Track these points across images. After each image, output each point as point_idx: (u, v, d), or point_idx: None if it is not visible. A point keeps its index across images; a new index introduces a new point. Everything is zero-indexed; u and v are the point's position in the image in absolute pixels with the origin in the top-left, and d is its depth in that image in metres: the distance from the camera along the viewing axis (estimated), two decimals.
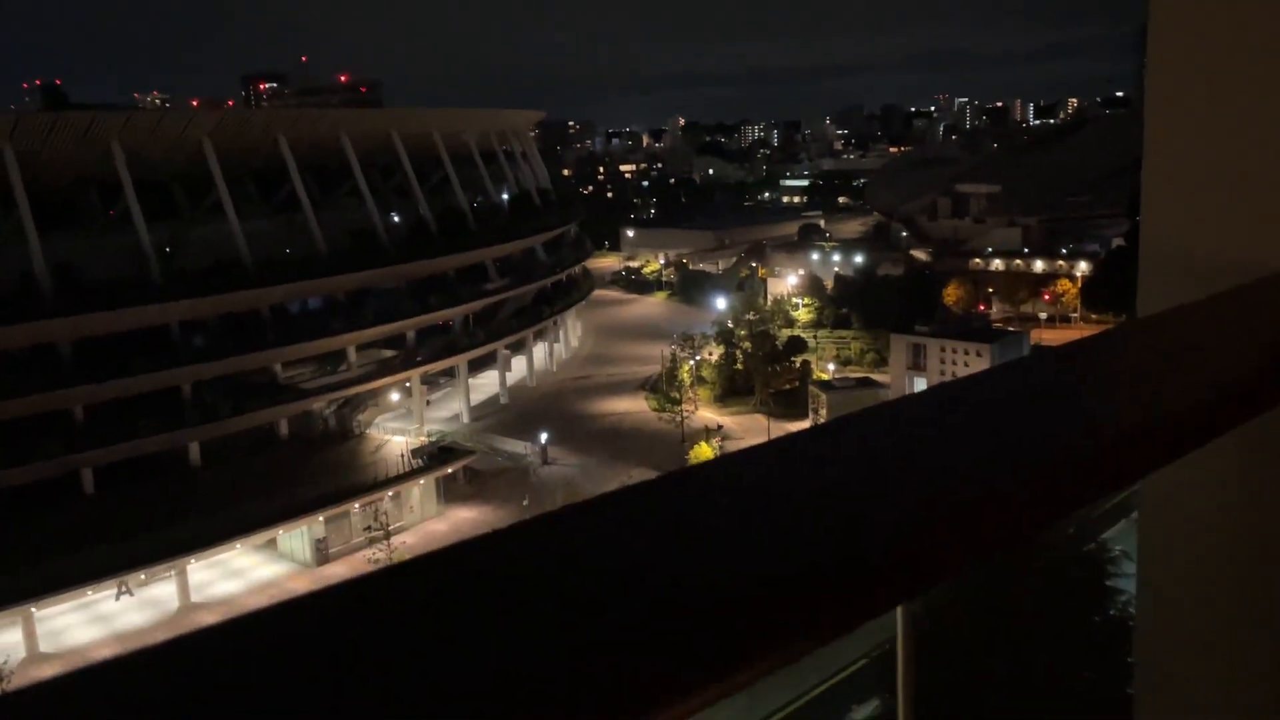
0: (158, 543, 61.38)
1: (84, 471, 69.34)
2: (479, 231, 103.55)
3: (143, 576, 62.46)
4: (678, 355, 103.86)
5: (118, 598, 62.55)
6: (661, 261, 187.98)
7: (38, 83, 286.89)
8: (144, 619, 61.28)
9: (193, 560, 63.35)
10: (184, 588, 63.15)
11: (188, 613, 61.99)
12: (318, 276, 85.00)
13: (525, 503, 68.65)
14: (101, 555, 59.66)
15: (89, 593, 60.83)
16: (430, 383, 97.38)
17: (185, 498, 68.32)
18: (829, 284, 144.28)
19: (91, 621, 60.91)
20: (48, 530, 62.56)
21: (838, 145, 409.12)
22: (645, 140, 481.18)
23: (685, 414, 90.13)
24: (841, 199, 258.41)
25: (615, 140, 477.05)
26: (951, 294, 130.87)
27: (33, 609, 56.69)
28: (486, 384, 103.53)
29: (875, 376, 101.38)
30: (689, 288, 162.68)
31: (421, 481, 74.19)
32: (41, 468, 66.54)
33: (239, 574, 66.89)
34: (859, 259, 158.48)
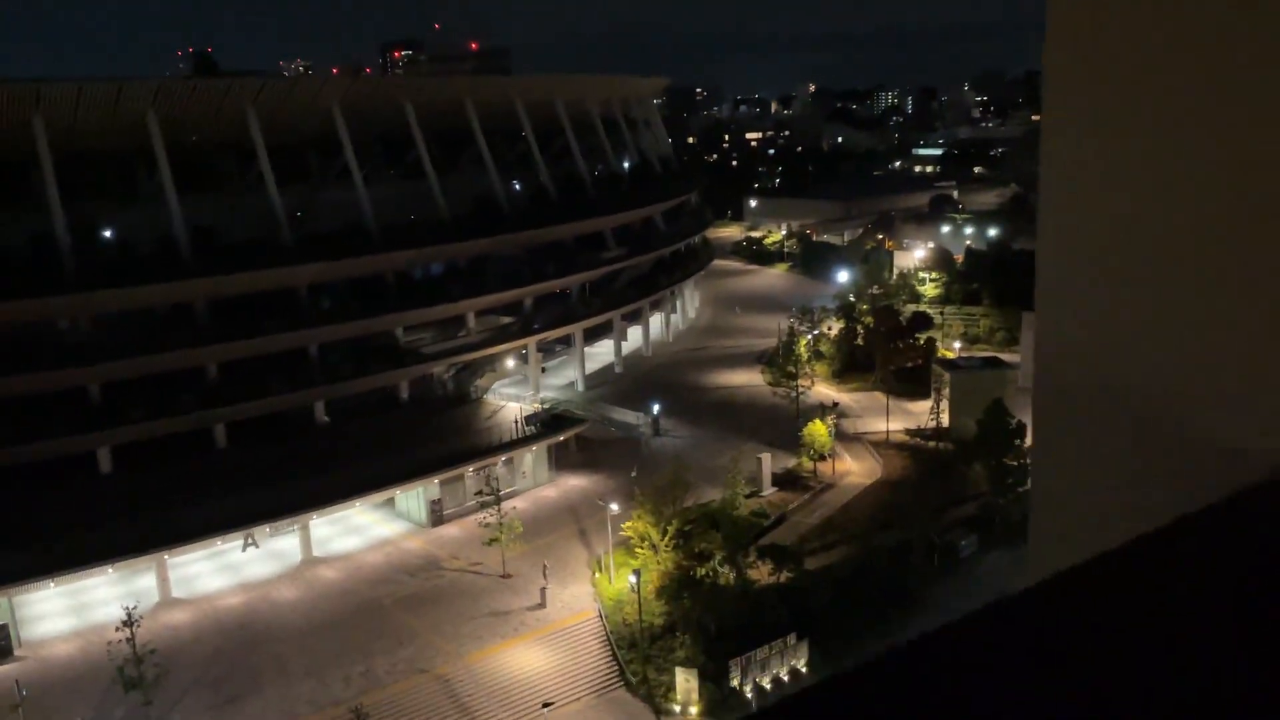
0: (283, 497, 63.71)
1: (217, 427, 72.51)
2: (598, 200, 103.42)
3: (268, 530, 64.96)
4: (795, 328, 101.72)
5: (244, 549, 65.28)
6: (784, 232, 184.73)
7: (190, 50, 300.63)
8: (269, 570, 63.83)
9: (315, 516, 65.53)
10: (306, 542, 65.46)
11: (309, 566, 64.26)
12: (440, 243, 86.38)
13: (634, 474, 68.42)
14: (230, 508, 62.29)
15: (218, 543, 63.74)
16: (546, 350, 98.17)
17: (310, 455, 70.75)
18: (959, 258, 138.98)
19: (220, 570, 63.85)
20: (182, 482, 65.74)
21: (976, 113, 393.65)
22: (774, 107, 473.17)
23: (801, 389, 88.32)
24: (977, 169, 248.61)
25: (743, 107, 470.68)
26: None
27: (166, 556, 59.65)
28: (602, 353, 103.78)
29: (1004, 356, 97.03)
30: (811, 259, 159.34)
31: (534, 448, 74.87)
32: (178, 421, 69.90)
33: (358, 531, 68.97)
34: (992, 232, 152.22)
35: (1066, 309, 2.58)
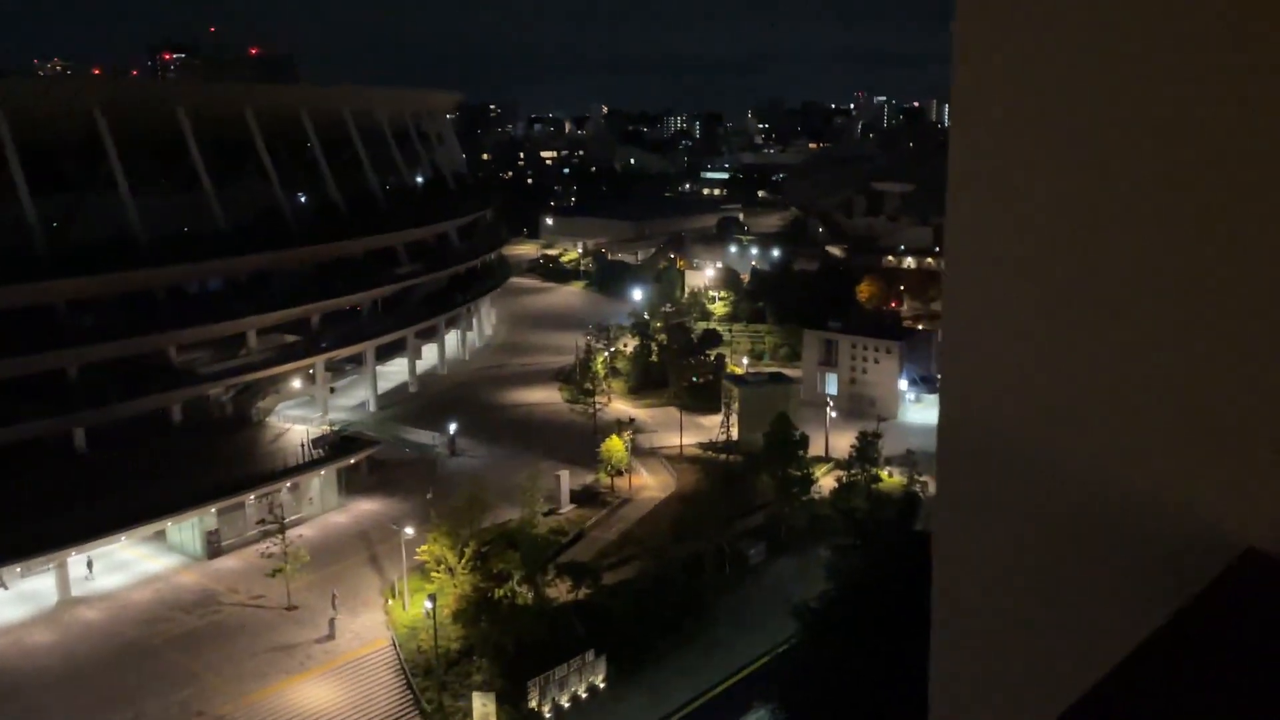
0: (36, 534, 58.11)
1: None
2: (390, 214, 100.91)
3: (18, 570, 59.09)
4: (592, 346, 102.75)
5: None
6: (580, 250, 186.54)
7: None
8: (19, 613, 58.02)
9: (74, 553, 60.15)
10: (64, 581, 59.98)
11: (67, 607, 58.91)
12: (218, 256, 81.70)
13: (429, 496, 66.83)
14: None
15: None
16: (335, 369, 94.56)
17: (69, 486, 64.90)
18: (745, 278, 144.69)
19: None
20: None
21: (759, 139, 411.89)
22: (568, 127, 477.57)
23: (599, 406, 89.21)
24: (761, 193, 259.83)
25: (537, 126, 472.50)
26: (865, 291, 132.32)
27: None
28: (395, 372, 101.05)
29: (787, 371, 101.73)
30: (607, 278, 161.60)
31: (322, 472, 71.80)
32: None
33: (123, 566, 63.81)
34: (776, 253, 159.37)
35: (976, 349, 2.25)
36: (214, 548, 65.17)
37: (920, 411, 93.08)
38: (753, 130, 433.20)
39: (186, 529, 65.71)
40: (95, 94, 79.46)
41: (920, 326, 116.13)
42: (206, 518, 64.85)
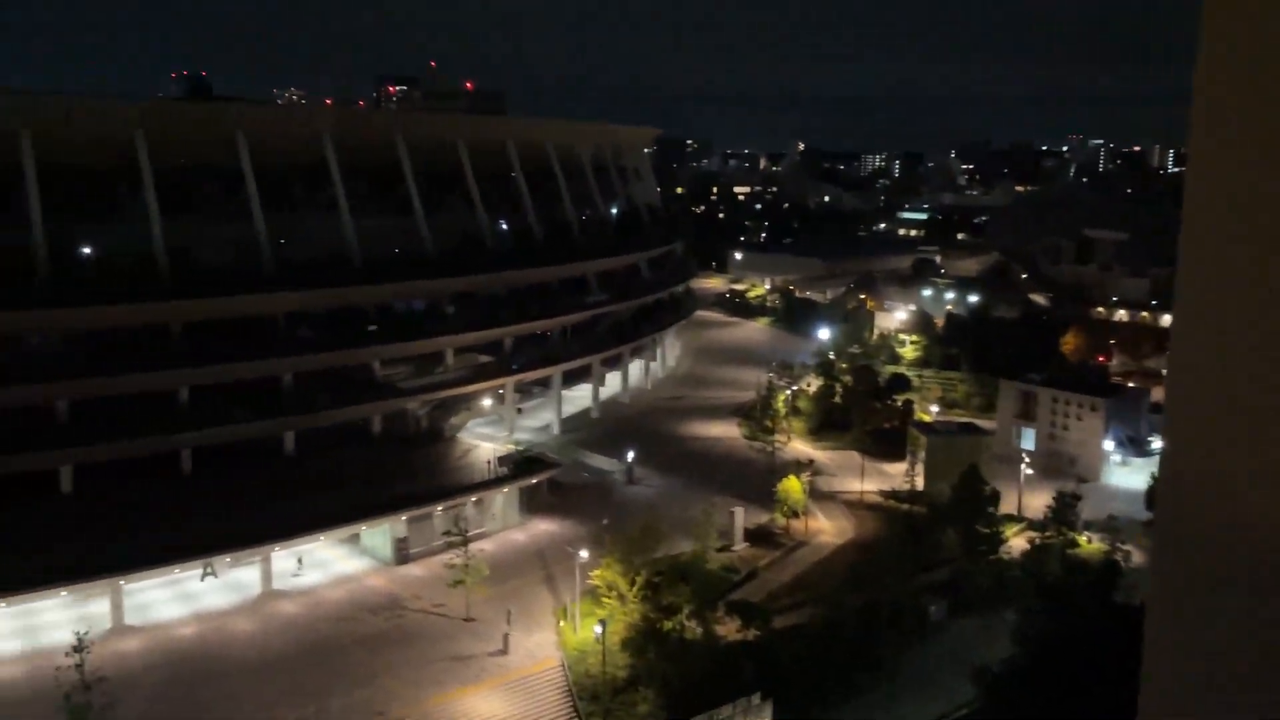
0: (246, 527, 62.44)
1: (183, 452, 71.22)
2: (584, 244, 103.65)
3: (228, 560, 63.51)
4: (775, 383, 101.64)
5: (203, 578, 63.77)
6: (767, 286, 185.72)
7: (184, 73, 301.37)
8: (226, 601, 62.24)
9: (277, 548, 64.16)
10: (267, 574, 63.98)
11: (268, 599, 62.74)
12: (423, 278, 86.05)
13: (605, 522, 67.58)
14: (191, 535, 60.99)
15: (176, 571, 62.20)
16: (524, 391, 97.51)
17: (276, 486, 69.57)
18: (939, 322, 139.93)
19: (176, 599, 62.18)
20: (144, 506, 64.42)
21: (961, 180, 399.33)
22: (763, 163, 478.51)
23: (777, 445, 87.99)
24: (960, 235, 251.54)
25: (732, 161, 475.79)
26: (1069, 343, 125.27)
27: (120, 582, 58.09)
28: (579, 397, 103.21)
29: (980, 422, 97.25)
30: (793, 315, 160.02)
31: (505, 490, 73.91)
32: (143, 444, 68.63)
33: (321, 565, 67.51)
34: (973, 298, 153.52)
35: (1207, 413, 2.09)
36: (402, 554, 68.06)
37: (1126, 475, 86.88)
38: (955, 170, 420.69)
39: (379, 534, 68.96)
40: (324, 123, 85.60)
41: (1131, 384, 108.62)
42: (397, 525, 67.84)
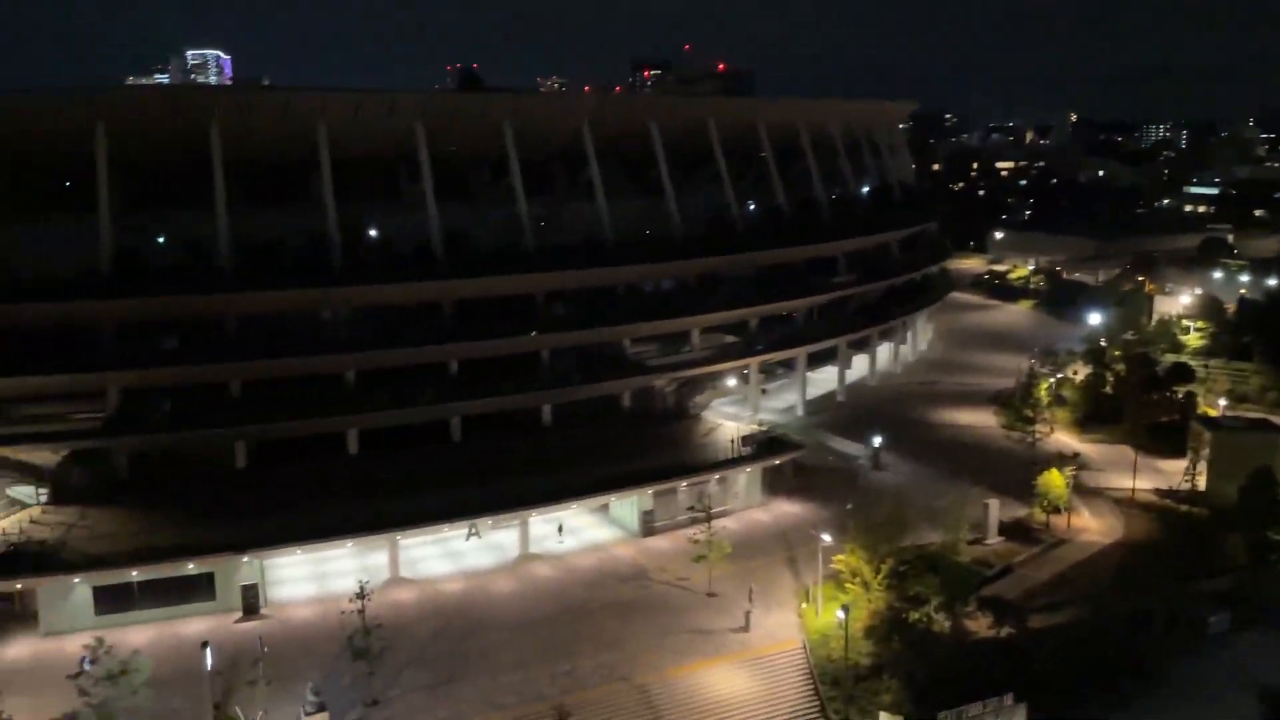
0: (507, 493, 66.42)
1: (453, 420, 76.59)
2: (833, 224, 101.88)
3: (490, 523, 67.86)
4: (1037, 370, 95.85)
5: (467, 538, 68.53)
6: (1030, 267, 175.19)
7: (457, 66, 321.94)
8: (488, 561, 66.57)
9: (534, 514, 67.83)
10: (524, 538, 67.82)
11: (526, 562, 66.50)
12: (672, 259, 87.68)
13: (850, 506, 66.46)
14: (458, 498, 65.61)
15: (444, 530, 67.22)
16: (768, 372, 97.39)
17: (535, 455, 73.45)
18: (1230, 307, 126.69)
19: (444, 556, 67.25)
20: (418, 469, 69.88)
21: (1259, 150, 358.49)
22: (1028, 136, 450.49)
23: (1038, 436, 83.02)
24: (1258, 212, 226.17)
25: (994, 135, 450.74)
26: None
27: (397, 537, 63.48)
28: (825, 379, 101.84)
29: (1276, 419, 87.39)
30: (1058, 298, 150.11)
31: (748, 469, 74.31)
32: (418, 412, 74.40)
33: (573, 533, 70.67)
34: (1272, 282, 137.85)
35: None
36: (648, 527, 70.10)
37: None
38: (1253, 140, 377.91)
39: (626, 506, 71.33)
40: (583, 109, 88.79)
41: None
42: (644, 498, 69.90)
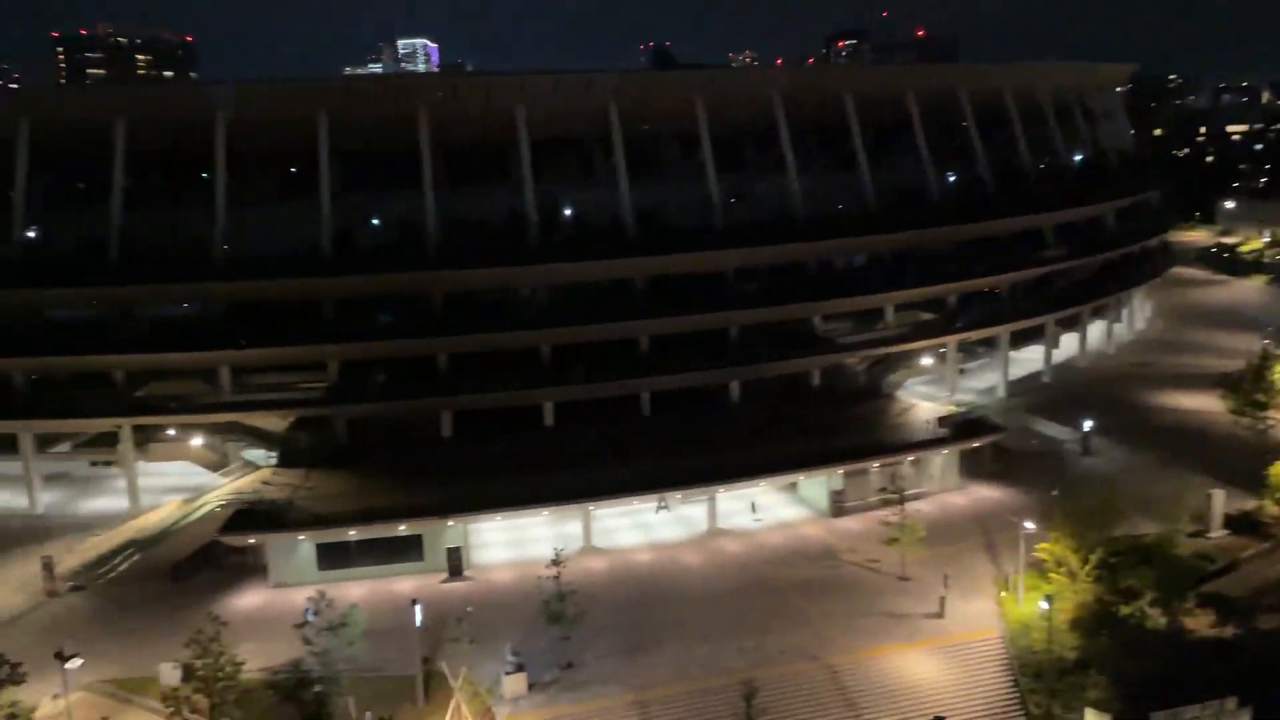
0: (696, 468, 67.05)
1: (643, 395, 77.91)
2: (1040, 194, 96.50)
3: (679, 497, 68.71)
4: (1271, 351, 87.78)
5: (657, 511, 69.64)
6: (1265, 239, 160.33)
7: (650, 44, 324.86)
8: (676, 535, 67.46)
9: (722, 490, 68.14)
10: (713, 513, 68.27)
11: (713, 537, 66.98)
12: (864, 233, 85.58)
13: (1055, 493, 63.11)
14: (648, 471, 66.81)
15: (635, 503, 68.60)
16: (967, 351, 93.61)
17: (722, 432, 73.78)
18: None
19: (634, 528, 68.62)
20: (610, 442, 71.61)
21: None
22: (1265, 96, 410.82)
23: (1271, 422, 76.04)
24: None
25: (1226, 96, 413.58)
26: None
27: (590, 508, 65.30)
28: (1029, 359, 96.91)
29: None
30: None
31: (945, 451, 71.82)
32: (610, 386, 76.14)
33: (760, 510, 70.52)
34: None
35: None
36: (838, 507, 69.08)
37: None
38: None
39: (816, 485, 70.54)
40: (775, 83, 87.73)
41: None
42: (834, 478, 68.90)
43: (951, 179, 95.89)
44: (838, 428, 73.69)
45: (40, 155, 75.94)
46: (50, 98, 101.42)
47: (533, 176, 77.73)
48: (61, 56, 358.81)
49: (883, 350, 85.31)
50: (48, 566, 60.69)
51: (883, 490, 65.31)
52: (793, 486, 72.61)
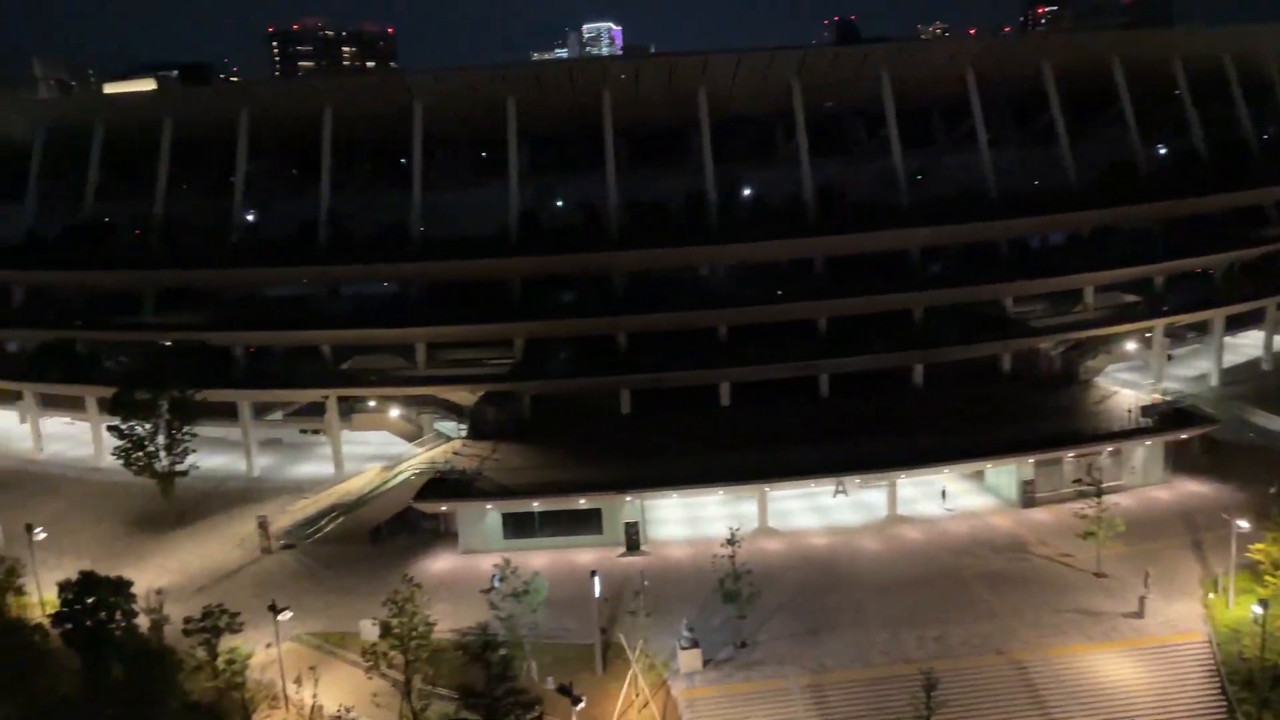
0: (875, 452, 65.69)
1: (821, 377, 76.88)
2: (1262, 168, 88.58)
3: (858, 481, 67.50)
4: None
5: (834, 495, 68.53)
6: None
7: (835, 19, 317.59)
8: (854, 519, 66.37)
9: (903, 475, 66.53)
10: (892, 499, 66.78)
11: (893, 523, 65.53)
12: (1061, 211, 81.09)
13: (1274, 489, 58.17)
14: (826, 454, 65.93)
15: (811, 485, 67.92)
16: (1175, 336, 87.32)
17: (904, 416, 71.91)
18: None
19: (810, 511, 67.96)
20: (786, 424, 71.09)
21: None
22: None
23: None
24: None
25: None
26: None
27: (766, 489, 65.13)
28: (1246, 345, 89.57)
29: None
30: None
31: (1148, 443, 67.44)
32: (787, 368, 75.53)
33: (938, 496, 68.42)
34: None
35: None
36: (1028, 497, 66.13)
37: None
38: None
39: (1003, 474, 67.78)
40: (967, 55, 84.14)
41: None
42: (1024, 467, 65.98)
43: (1162, 152, 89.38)
44: (1029, 415, 70.45)
45: (257, 144, 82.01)
46: (266, 89, 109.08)
47: (713, 156, 77.69)
48: (276, 50, 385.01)
49: (1081, 334, 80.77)
50: (263, 525, 65.91)
51: (1077, 482, 61.99)
52: (979, 475, 70.06)
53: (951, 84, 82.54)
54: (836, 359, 75.82)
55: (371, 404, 78.25)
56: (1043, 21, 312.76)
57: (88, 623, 46.94)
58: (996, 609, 53.05)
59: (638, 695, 46.72)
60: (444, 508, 64.39)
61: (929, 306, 78.23)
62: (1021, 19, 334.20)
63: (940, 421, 69.90)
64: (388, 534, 66.60)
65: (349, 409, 78.37)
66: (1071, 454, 65.86)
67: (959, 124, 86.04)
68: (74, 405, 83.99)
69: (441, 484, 64.14)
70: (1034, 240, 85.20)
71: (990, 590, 55.15)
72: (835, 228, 76.53)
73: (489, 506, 63.50)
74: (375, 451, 78.31)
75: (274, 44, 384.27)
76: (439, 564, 62.60)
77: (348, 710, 43.81)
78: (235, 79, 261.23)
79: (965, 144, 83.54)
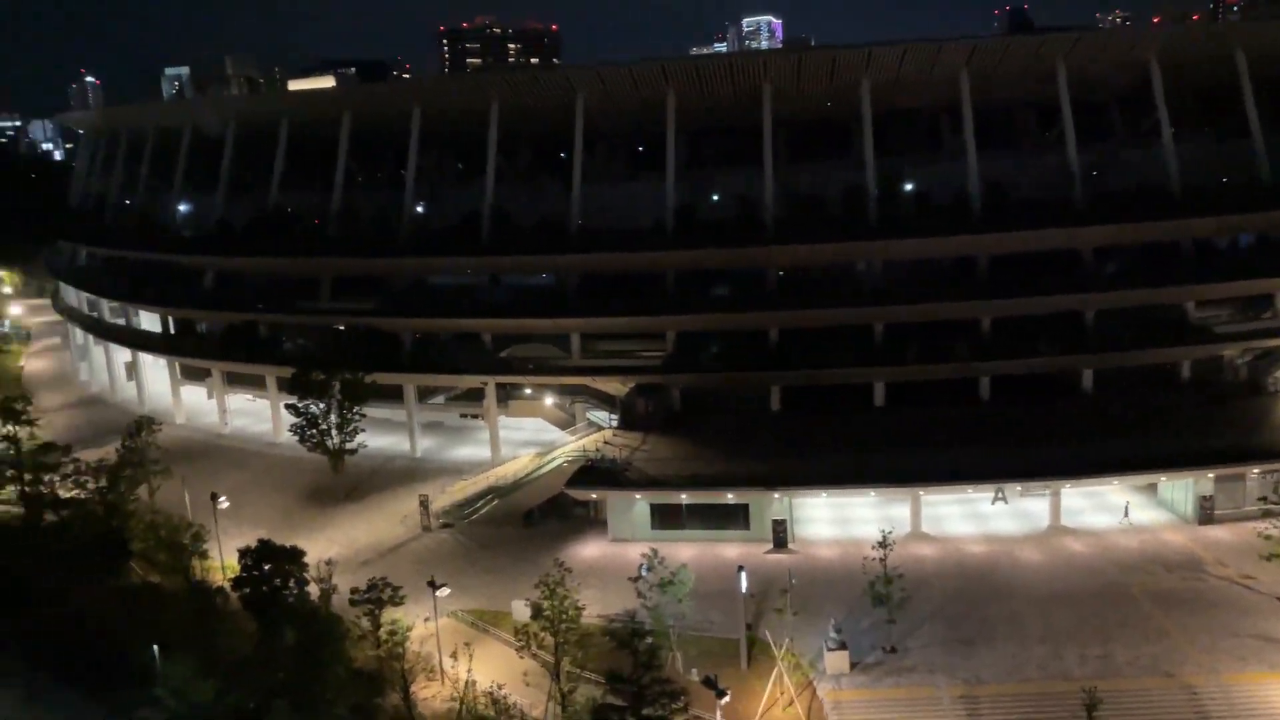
0: (1038, 460, 63.07)
1: (982, 379, 74.26)
2: None
3: (1018, 489, 64.96)
4: None
5: (993, 502, 66.27)
6: None
7: (1007, 9, 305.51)
8: (1013, 528, 63.91)
9: (1068, 485, 63.66)
10: (1056, 509, 63.97)
11: (1056, 534, 62.80)
12: (1257, 209, 75.45)
13: None
14: (985, 459, 63.78)
15: (969, 491, 65.78)
16: None
17: (1071, 422, 68.69)
18: None
19: (966, 517, 65.81)
20: (943, 426, 68.98)
21: None
22: None
23: None
24: None
25: None
26: None
27: (920, 492, 63.44)
28: None
29: None
30: None
31: None
32: (947, 368, 73.29)
33: (1112, 510, 65.10)
34: None
35: None
36: (1206, 514, 62.14)
37: None
38: None
39: (1179, 488, 63.95)
40: (1151, 43, 79.33)
41: None
42: (1203, 482, 62.02)
43: None
44: (1210, 426, 66.13)
45: (426, 138, 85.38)
46: (435, 85, 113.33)
47: (874, 150, 76.02)
48: (445, 48, 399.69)
49: (1271, 342, 75.14)
50: (424, 504, 68.78)
51: (1263, 500, 57.78)
52: (1152, 488, 66.31)
53: (1133, 74, 78.02)
54: (1000, 361, 73.10)
55: (527, 391, 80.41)
56: (1235, 9, 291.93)
57: (264, 588, 50.16)
58: (1167, 629, 50.12)
59: (782, 693, 46.41)
60: (594, 495, 65.56)
61: (1102, 309, 74.37)
62: (1212, 6, 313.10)
63: (1110, 429, 66.42)
64: (540, 518, 68.39)
65: (506, 396, 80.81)
66: (1257, 469, 61.49)
67: (1138, 116, 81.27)
68: (256, 383, 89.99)
69: (592, 472, 65.35)
70: (1222, 240, 79.65)
71: (1161, 609, 52.14)
72: (1002, 224, 73.62)
73: (638, 496, 64.27)
74: (529, 438, 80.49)
75: (444, 42, 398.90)
76: (588, 550, 63.78)
77: (500, 687, 45.26)
78: (408, 75, 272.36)
79: (1146, 137, 78.82)
